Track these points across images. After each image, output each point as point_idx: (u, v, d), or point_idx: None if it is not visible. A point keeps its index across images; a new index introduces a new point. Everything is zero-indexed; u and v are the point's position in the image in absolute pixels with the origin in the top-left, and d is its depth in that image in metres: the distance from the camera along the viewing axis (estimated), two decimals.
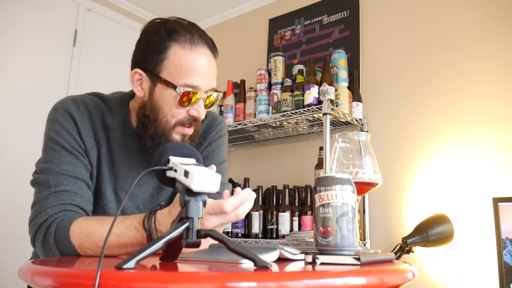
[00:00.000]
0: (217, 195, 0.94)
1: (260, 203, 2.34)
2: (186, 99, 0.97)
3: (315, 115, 2.15)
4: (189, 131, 1.02)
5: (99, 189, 1.05)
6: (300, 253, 0.76)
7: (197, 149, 1.14)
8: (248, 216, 2.34)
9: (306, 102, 2.13)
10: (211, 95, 1.02)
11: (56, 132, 0.99)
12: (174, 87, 0.96)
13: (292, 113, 2.17)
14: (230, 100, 2.52)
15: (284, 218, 2.20)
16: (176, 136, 1.01)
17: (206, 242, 0.72)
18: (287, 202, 2.25)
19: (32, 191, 0.98)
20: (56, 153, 0.98)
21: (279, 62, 2.37)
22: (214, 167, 0.82)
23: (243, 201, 0.82)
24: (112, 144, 1.05)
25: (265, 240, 2.26)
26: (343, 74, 2.19)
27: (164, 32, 0.98)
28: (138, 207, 1.09)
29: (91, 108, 1.04)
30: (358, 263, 0.65)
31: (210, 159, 1.16)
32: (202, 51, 0.98)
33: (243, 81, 2.54)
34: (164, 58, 0.97)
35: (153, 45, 0.99)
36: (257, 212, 2.30)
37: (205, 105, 1.02)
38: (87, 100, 1.06)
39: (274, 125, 2.37)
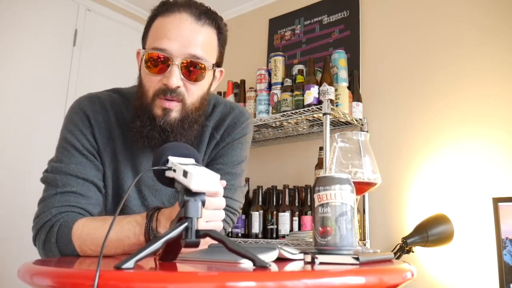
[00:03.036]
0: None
1: (260, 203, 2.34)
2: (154, 63, 0.93)
3: (315, 115, 2.15)
4: (169, 105, 0.95)
5: (120, 187, 1.02)
6: (299, 252, 0.76)
7: (203, 137, 1.08)
8: (248, 216, 2.35)
9: (306, 102, 2.13)
10: (193, 63, 0.94)
11: (69, 131, 0.99)
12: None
13: (292, 113, 2.17)
14: (230, 100, 2.52)
15: (284, 218, 2.20)
16: (157, 111, 0.95)
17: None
18: (287, 202, 2.25)
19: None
20: (67, 152, 0.97)
21: (279, 62, 2.37)
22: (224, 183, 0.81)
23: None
24: (131, 140, 1.02)
25: (265, 240, 2.25)
26: (343, 74, 2.19)
27: (154, 9, 1.00)
28: (163, 202, 1.06)
29: (107, 105, 1.03)
30: (357, 262, 0.65)
31: (229, 156, 1.09)
32: (178, 16, 0.95)
33: (243, 81, 2.54)
34: (149, 31, 0.99)
35: (146, 24, 1.01)
36: (257, 212, 2.30)
37: (189, 78, 0.94)
38: (104, 96, 1.04)
39: (274, 125, 2.37)
